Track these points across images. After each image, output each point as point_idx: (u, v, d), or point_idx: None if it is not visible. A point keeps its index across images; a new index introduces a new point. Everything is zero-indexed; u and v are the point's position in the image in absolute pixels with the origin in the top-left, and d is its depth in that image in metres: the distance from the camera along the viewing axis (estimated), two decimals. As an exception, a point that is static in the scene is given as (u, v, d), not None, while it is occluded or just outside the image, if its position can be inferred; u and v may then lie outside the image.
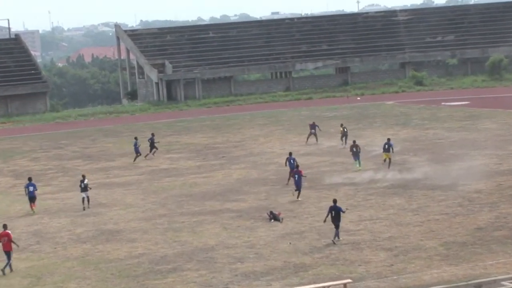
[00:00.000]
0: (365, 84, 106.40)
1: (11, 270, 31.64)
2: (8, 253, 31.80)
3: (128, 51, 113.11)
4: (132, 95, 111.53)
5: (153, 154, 59.74)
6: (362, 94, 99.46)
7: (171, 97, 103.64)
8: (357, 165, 49.07)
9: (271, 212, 37.63)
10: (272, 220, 37.02)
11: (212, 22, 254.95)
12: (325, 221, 33.32)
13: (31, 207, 42.87)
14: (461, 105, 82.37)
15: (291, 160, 45.88)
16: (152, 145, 60.02)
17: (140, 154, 58.62)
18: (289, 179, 45.37)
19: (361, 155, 49.89)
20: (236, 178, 49.29)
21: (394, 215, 36.83)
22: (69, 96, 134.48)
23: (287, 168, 45.97)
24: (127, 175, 53.54)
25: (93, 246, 34.80)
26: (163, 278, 29.66)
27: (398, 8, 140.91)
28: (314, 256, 31.02)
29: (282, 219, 37.08)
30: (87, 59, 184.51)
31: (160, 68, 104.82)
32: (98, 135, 77.42)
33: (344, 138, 59.20)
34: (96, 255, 33.37)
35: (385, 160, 49.20)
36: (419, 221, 35.37)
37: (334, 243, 32.48)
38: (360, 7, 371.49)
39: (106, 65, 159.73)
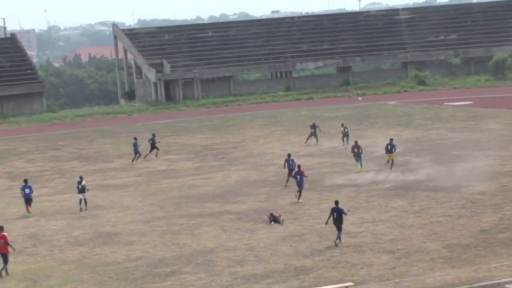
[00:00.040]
0: (366, 84, 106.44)
1: (7, 273, 31.63)
2: (4, 256, 31.75)
3: (125, 51, 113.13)
4: (130, 95, 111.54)
5: (156, 155, 59.70)
6: (364, 94, 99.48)
7: (169, 98, 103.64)
8: (359, 166, 49.07)
9: (271, 214, 37.62)
10: (273, 222, 37.00)
11: (211, 21, 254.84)
12: (327, 223, 33.32)
13: (27, 209, 42.86)
14: (464, 105, 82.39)
15: (290, 162, 45.90)
16: (153, 146, 60.00)
17: (140, 155, 58.63)
18: (287, 180, 45.43)
19: (363, 156, 49.87)
20: (236, 180, 49.28)
21: (396, 217, 36.83)
22: (65, 96, 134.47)
23: (286, 170, 45.98)
24: (124, 176, 53.53)
25: (90, 249, 34.79)
26: (162, 282, 29.65)
27: (400, 7, 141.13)
28: (315, 259, 31.01)
29: (282, 221, 37.07)
30: (84, 58, 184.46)
31: (158, 68, 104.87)
32: (95, 136, 77.41)
33: (345, 139, 59.22)
34: (93, 258, 33.36)
35: (388, 161, 49.18)
36: (422, 223, 35.36)
37: (336, 244, 32.48)
38: (362, 6, 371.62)
39: (103, 65, 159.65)
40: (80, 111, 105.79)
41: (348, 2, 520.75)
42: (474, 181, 43.20)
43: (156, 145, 60.23)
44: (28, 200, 42.88)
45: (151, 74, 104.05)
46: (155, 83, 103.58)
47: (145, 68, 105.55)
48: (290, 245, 33.10)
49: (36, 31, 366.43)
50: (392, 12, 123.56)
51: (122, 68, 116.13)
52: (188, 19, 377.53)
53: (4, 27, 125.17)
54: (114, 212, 42.26)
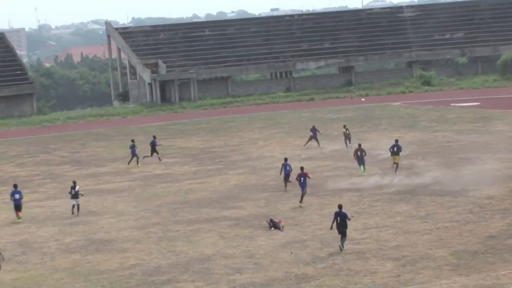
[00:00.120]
0: (369, 84, 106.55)
1: (-4, 282, 31.63)
2: (-7, 264, 31.75)
3: (119, 50, 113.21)
4: (124, 97, 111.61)
5: (159, 159, 59.60)
6: (367, 95, 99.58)
7: (165, 99, 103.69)
8: (362, 170, 49.07)
9: (271, 220, 37.62)
10: (272, 229, 37.00)
11: (208, 19, 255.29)
12: (331, 228, 33.30)
13: (17, 215, 42.83)
14: (472, 106, 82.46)
15: (287, 166, 45.94)
16: (153, 149, 59.94)
17: (138, 158, 58.63)
18: (285, 185, 45.51)
19: (366, 159, 49.86)
20: (234, 184, 49.29)
21: (401, 223, 36.83)
22: (57, 98, 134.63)
23: (283, 175, 46.06)
24: (118, 181, 53.53)
25: (83, 257, 34.77)
26: (157, 290, 29.65)
27: (404, 4, 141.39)
28: (316, 266, 31.01)
29: (282, 227, 37.07)
30: (76, 58, 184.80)
31: (153, 68, 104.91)
32: (87, 139, 77.42)
33: (347, 141, 59.26)
34: (86, 266, 33.34)
35: (394, 164, 49.19)
36: (428, 229, 35.36)
37: (340, 249, 32.47)
38: (364, 3, 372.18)
39: (96, 65, 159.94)
40: (72, 113, 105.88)
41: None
42: (482, 185, 43.19)
43: (157, 148, 60.18)
44: (17, 206, 42.82)
45: (145, 75, 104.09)
46: (150, 84, 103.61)
47: (140, 68, 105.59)
48: (291, 252, 33.09)
49: (26, 30, 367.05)
50: (396, 10, 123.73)
51: (115, 69, 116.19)
52: (184, 17, 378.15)
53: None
54: (107, 218, 42.24)
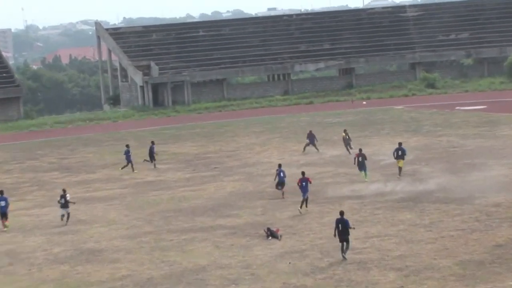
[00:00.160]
0: (371, 87, 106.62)
1: (-19, 294, 31.58)
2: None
3: (109, 52, 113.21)
4: (115, 100, 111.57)
5: (154, 166, 59.61)
6: (368, 98, 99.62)
7: (157, 102, 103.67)
8: (363, 176, 49.11)
9: (269, 229, 37.63)
10: (270, 238, 37.01)
11: (202, 19, 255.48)
12: (335, 235, 33.30)
13: (3, 223, 42.78)
14: (477, 109, 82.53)
15: (281, 173, 45.98)
16: (151, 155, 59.90)
17: (133, 164, 58.63)
18: (283, 192, 45.55)
19: (368, 165, 49.87)
20: (230, 191, 49.30)
21: (404, 232, 36.84)
22: (44, 101, 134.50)
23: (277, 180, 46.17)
24: (109, 188, 53.52)
25: (72, 268, 34.74)
26: (150, 302, 29.64)
27: (407, 3, 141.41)
28: (316, 277, 31.01)
29: (280, 236, 37.07)
30: (65, 60, 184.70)
31: (145, 70, 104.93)
32: (77, 144, 77.40)
33: (348, 146, 59.27)
34: (75, 277, 33.31)
35: (398, 168, 49.29)
36: (432, 238, 35.38)
37: (345, 258, 32.47)
38: (366, 2, 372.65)
39: (86, 67, 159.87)
40: (61, 117, 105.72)
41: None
42: (489, 192, 43.23)
43: (155, 155, 60.17)
44: (3, 214, 42.79)
45: (137, 77, 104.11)
46: (141, 87, 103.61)
47: (131, 71, 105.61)
48: (289, 262, 33.09)
49: (13, 30, 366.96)
50: (398, 9, 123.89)
51: (106, 71, 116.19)
52: (178, 17, 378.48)
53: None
54: (97, 227, 42.22)
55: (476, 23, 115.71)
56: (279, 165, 47.16)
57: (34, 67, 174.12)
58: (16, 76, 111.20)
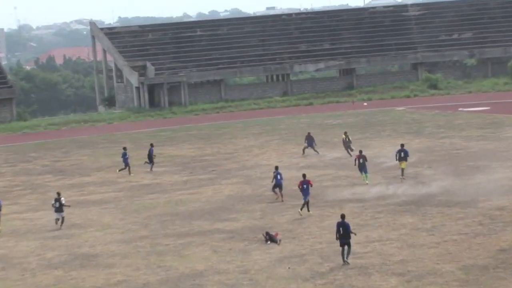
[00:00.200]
0: (372, 88, 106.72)
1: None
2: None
3: (104, 52, 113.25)
4: (110, 102, 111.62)
5: (151, 169, 59.65)
6: (369, 99, 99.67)
7: (153, 104, 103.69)
8: (364, 178, 49.11)
9: (267, 233, 37.61)
10: (269, 242, 37.00)
11: (199, 19, 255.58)
12: (337, 238, 33.27)
13: (-5, 228, 42.80)
14: (481, 110, 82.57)
15: (278, 176, 45.99)
16: (150, 157, 59.88)
17: (130, 167, 58.64)
18: (281, 195, 45.57)
19: (369, 167, 49.87)
20: (228, 195, 49.28)
21: (406, 236, 36.84)
22: (38, 103, 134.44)
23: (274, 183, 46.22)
24: (104, 191, 53.50)
25: (66, 273, 34.72)
26: (146, 309, 29.62)
27: (409, 2, 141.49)
28: (316, 283, 31.00)
29: (279, 240, 37.06)
30: (59, 61, 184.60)
31: (141, 71, 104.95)
32: (71, 146, 77.37)
33: (348, 149, 59.26)
34: (69, 283, 33.29)
35: (401, 170, 49.32)
36: (435, 242, 35.37)
37: (348, 263, 32.46)
38: (367, 1, 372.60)
39: (80, 68, 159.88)
40: (54, 119, 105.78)
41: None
42: (492, 195, 43.24)
43: (153, 158, 60.15)
44: (-4, 219, 42.79)
45: (133, 78, 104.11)
46: (137, 88, 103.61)
47: (127, 71, 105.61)
48: (288, 267, 33.08)
49: (5, 30, 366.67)
50: (400, 8, 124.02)
51: (101, 71, 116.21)
52: (174, 16, 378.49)
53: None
54: (92, 231, 42.19)
55: (480, 22, 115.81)
56: (276, 167, 47.16)
57: (28, 67, 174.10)
58: (9, 77, 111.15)
